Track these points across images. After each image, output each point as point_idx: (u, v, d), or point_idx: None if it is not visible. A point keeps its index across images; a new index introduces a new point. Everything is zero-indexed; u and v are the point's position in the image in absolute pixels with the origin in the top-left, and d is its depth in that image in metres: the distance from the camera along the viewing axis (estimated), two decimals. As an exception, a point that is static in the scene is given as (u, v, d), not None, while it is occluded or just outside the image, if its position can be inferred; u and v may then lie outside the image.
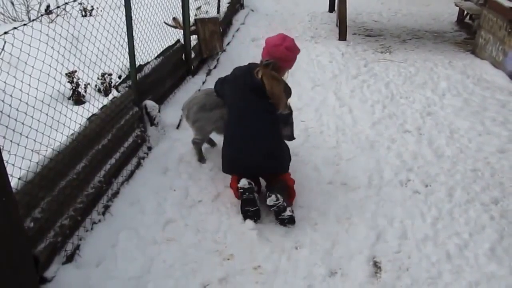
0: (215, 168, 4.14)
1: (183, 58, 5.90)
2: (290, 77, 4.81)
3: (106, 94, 5.09)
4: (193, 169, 4.12)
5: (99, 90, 5.23)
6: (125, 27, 4.07)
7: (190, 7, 6.10)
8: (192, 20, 6.27)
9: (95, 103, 3.78)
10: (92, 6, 7.44)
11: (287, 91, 3.70)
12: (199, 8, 8.16)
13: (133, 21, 4.16)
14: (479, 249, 3.24)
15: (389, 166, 4.25)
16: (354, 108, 5.46)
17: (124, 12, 4.04)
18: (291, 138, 4.00)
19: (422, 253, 3.20)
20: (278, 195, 3.33)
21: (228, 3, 9.06)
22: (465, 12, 10.45)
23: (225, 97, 3.79)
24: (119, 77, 5.15)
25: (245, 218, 3.43)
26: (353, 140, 4.74)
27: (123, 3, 4.01)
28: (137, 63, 4.42)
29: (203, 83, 6.08)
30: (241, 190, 3.41)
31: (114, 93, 4.18)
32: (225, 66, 6.86)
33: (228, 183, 3.84)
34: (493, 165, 4.33)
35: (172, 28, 6.11)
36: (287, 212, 3.36)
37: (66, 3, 3.55)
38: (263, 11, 10.88)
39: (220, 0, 8.21)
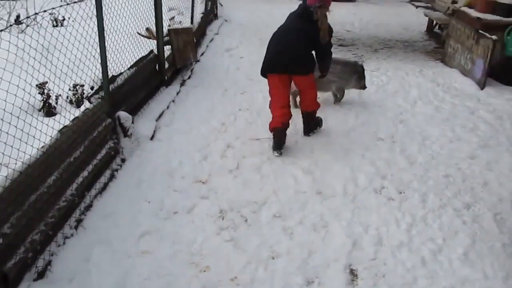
0: (189, 178, 4.11)
1: (157, 69, 5.86)
2: (265, 87, 4.82)
3: (78, 106, 5.00)
4: (168, 180, 4.08)
5: (71, 102, 5.14)
6: (97, 37, 4.02)
7: (164, 17, 6.08)
8: (165, 30, 6.24)
9: (67, 115, 3.72)
10: (63, 17, 7.34)
11: (330, 30, 4.69)
12: (172, 18, 8.14)
13: (105, 32, 4.11)
14: (453, 253, 3.29)
15: (364, 174, 4.29)
16: (328, 116, 5.50)
17: (96, 23, 3.99)
18: (323, 71, 4.92)
19: (397, 259, 3.23)
20: (311, 131, 4.96)
21: (202, 13, 9.07)
22: (434, 22, 10.72)
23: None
24: (92, 88, 5.07)
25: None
26: (328, 149, 4.77)
27: (95, 14, 3.96)
28: (110, 74, 4.38)
29: (177, 93, 6.06)
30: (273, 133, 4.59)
31: (86, 104, 4.12)
32: (199, 76, 6.86)
33: (201, 194, 3.87)
34: (464, 171, 4.42)
35: (146, 39, 6.07)
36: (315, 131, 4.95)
37: (37, 13, 3.49)
38: (237, 22, 10.93)
39: (194, 10, 8.21)
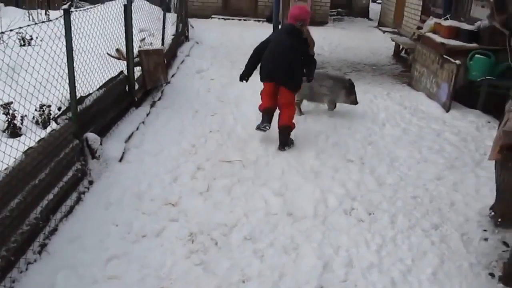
0: (158, 201, 4.05)
1: (127, 90, 5.81)
2: (235, 108, 4.82)
3: (45, 127, 4.89)
4: (137, 203, 4.01)
5: (37, 122, 5.02)
6: (66, 57, 3.97)
7: (134, 38, 6.05)
8: (136, 51, 6.21)
9: (32, 136, 3.62)
10: (31, 36, 7.23)
11: (312, 41, 5.36)
12: (143, 39, 8.12)
13: (74, 52, 4.06)
14: (422, 274, 3.32)
15: (334, 195, 4.31)
16: (299, 138, 5.54)
17: (64, 43, 3.94)
18: (310, 76, 5.45)
19: (368, 280, 3.23)
20: (285, 147, 5.26)
21: (173, 35, 9.09)
22: (401, 47, 11.03)
23: (270, 41, 5.35)
24: (59, 108, 4.97)
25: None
26: (298, 170, 4.79)
27: (64, 33, 3.92)
28: (78, 95, 4.31)
29: (147, 114, 6.00)
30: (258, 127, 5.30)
31: (53, 125, 4.03)
32: (169, 97, 6.83)
33: (170, 217, 3.84)
34: (431, 192, 4.50)
35: (116, 60, 6.02)
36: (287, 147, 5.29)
37: (3, 33, 3.42)
38: (208, 44, 10.99)
39: (165, 32, 8.22)
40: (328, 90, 6.34)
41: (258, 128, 5.29)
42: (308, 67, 5.40)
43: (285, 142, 5.28)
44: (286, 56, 5.12)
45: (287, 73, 5.16)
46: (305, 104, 6.63)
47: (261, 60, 5.34)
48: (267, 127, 5.28)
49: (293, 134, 5.34)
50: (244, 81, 5.54)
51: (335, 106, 6.58)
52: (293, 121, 5.32)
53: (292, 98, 5.33)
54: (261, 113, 5.43)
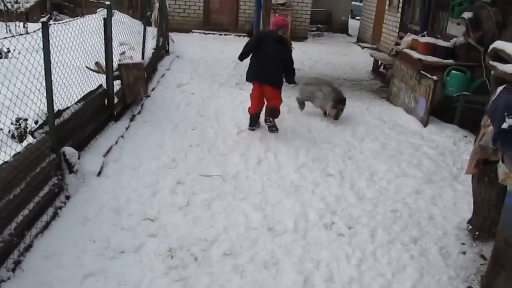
0: (137, 216, 3.99)
1: (106, 103, 5.75)
2: (216, 122, 4.82)
3: (21, 141, 4.79)
4: (115, 218, 3.94)
5: (13, 136, 4.92)
6: (43, 70, 3.91)
7: (114, 52, 6.01)
8: (115, 65, 6.17)
9: (7, 150, 3.54)
10: (8, 48, 7.12)
11: (290, 42, 6.97)
12: (123, 53, 8.07)
13: (52, 65, 4.01)
14: (402, 288, 3.33)
15: (314, 210, 4.32)
16: (279, 153, 5.56)
17: (42, 56, 3.89)
18: (291, 81, 6.38)
19: (348, 295, 3.22)
20: (270, 118, 6.32)
21: (154, 49, 9.07)
22: (379, 62, 11.20)
23: (259, 46, 6.21)
24: (36, 122, 4.89)
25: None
26: (279, 185, 4.79)
27: (41, 46, 3.87)
28: (56, 108, 4.24)
29: (127, 128, 5.95)
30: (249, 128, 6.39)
31: (29, 139, 3.95)
32: (149, 111, 6.79)
33: (149, 232, 3.80)
34: (410, 206, 4.54)
35: (95, 73, 5.97)
36: (274, 127, 6.32)
37: (-22, 45, 3.36)
38: (188, 58, 10.99)
39: (145, 45, 8.19)
40: (323, 95, 6.98)
41: (250, 129, 6.37)
42: (287, 70, 6.30)
43: (272, 115, 6.32)
44: (273, 62, 6.11)
45: (272, 74, 6.17)
46: (285, 118, 6.67)
47: (250, 58, 6.35)
48: (256, 127, 6.42)
49: (274, 150, 5.34)
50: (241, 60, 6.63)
51: (326, 113, 7.09)
52: (279, 108, 6.32)
53: (276, 93, 6.23)
54: (249, 115, 6.46)
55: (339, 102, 6.88)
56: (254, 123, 6.44)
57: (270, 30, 6.68)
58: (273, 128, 6.34)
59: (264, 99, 6.31)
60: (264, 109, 6.42)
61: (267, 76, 6.19)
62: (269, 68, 6.16)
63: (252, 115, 6.45)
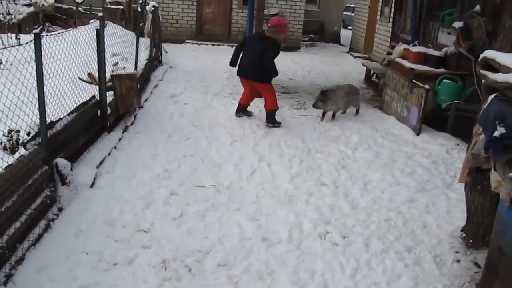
0: (131, 227, 3.97)
1: (99, 114, 5.73)
2: (209, 133, 4.83)
3: (13, 152, 4.76)
4: (108, 230, 3.91)
5: (4, 148, 4.89)
6: (36, 82, 3.90)
7: (107, 63, 6.01)
8: (108, 76, 6.16)
9: (-1, 162, 3.52)
10: (0, 60, 7.10)
11: (279, 42, 7.32)
12: (116, 64, 8.07)
13: (44, 76, 4.00)
14: (397, 298, 3.32)
15: (308, 219, 4.31)
16: (272, 163, 5.56)
17: (34, 67, 3.88)
18: (273, 73, 6.90)
19: (343, 305, 3.21)
20: (268, 124, 6.99)
21: (147, 59, 9.07)
22: (372, 72, 11.28)
23: (245, 46, 7.10)
24: (28, 134, 4.86)
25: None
26: (273, 195, 4.78)
27: (34, 58, 3.86)
28: (48, 119, 4.23)
29: (120, 139, 5.93)
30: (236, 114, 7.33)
31: (21, 151, 3.93)
32: (142, 122, 6.78)
33: (143, 244, 3.75)
34: (404, 214, 4.55)
35: (87, 84, 5.96)
36: (274, 126, 6.97)
37: (-30, 57, 3.35)
38: (181, 68, 11.00)
39: (138, 56, 8.20)
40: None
41: (236, 115, 7.30)
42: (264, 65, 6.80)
43: (271, 120, 6.97)
44: (252, 57, 6.77)
45: (251, 69, 6.87)
46: (278, 128, 6.68)
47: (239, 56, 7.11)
48: (240, 115, 7.31)
49: (268, 158, 5.34)
50: (234, 66, 7.24)
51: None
52: (276, 104, 7.00)
53: (265, 87, 6.95)
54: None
55: (322, 92, 7.40)
56: (239, 111, 7.33)
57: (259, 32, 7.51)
58: (274, 125, 6.98)
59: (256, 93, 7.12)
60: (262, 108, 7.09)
61: (246, 71, 6.92)
62: (247, 62, 6.88)
63: (239, 105, 7.36)
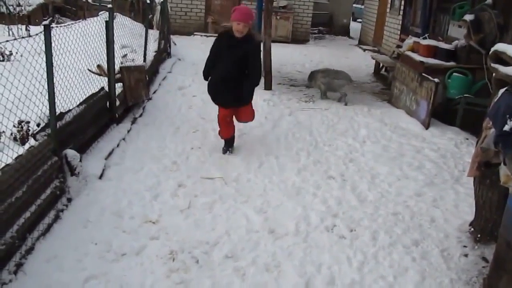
0: (139, 218, 4.00)
1: (107, 106, 5.76)
2: (217, 125, 4.83)
3: (23, 143, 4.81)
4: (117, 221, 3.94)
5: (15, 139, 4.93)
6: (45, 73, 3.92)
7: (116, 55, 6.03)
8: (117, 67, 6.18)
9: (9, 153, 3.55)
10: (10, 51, 7.15)
11: (256, 37, 5.48)
12: (125, 56, 8.10)
13: (54, 68, 4.02)
14: (403, 291, 3.32)
15: (315, 212, 4.31)
16: (280, 156, 5.56)
17: (44, 58, 3.90)
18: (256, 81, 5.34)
19: (349, 298, 3.22)
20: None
21: (155, 51, 9.08)
22: (381, 65, 11.20)
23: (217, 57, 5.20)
24: (38, 125, 4.90)
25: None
26: (280, 187, 4.78)
27: (44, 49, 3.88)
28: (58, 111, 4.26)
29: (128, 131, 5.95)
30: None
31: (31, 142, 3.97)
32: (151, 114, 6.80)
33: (151, 235, 3.78)
34: (412, 208, 4.53)
35: (96, 76, 5.98)
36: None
37: (-20, 48, 3.38)
38: (190, 60, 11.00)
39: (147, 48, 8.21)
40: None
41: (225, 152, 5.56)
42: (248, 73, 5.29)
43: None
44: (228, 76, 5.16)
45: (229, 93, 5.28)
46: (286, 121, 6.67)
47: None
48: (231, 152, 5.61)
49: (275, 150, 5.34)
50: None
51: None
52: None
53: (245, 109, 5.48)
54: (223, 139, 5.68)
55: (311, 73, 8.52)
56: (229, 145, 5.60)
57: (225, 30, 5.30)
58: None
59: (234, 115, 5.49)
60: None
61: (223, 97, 5.24)
62: (223, 87, 5.15)
63: (226, 139, 5.59)
